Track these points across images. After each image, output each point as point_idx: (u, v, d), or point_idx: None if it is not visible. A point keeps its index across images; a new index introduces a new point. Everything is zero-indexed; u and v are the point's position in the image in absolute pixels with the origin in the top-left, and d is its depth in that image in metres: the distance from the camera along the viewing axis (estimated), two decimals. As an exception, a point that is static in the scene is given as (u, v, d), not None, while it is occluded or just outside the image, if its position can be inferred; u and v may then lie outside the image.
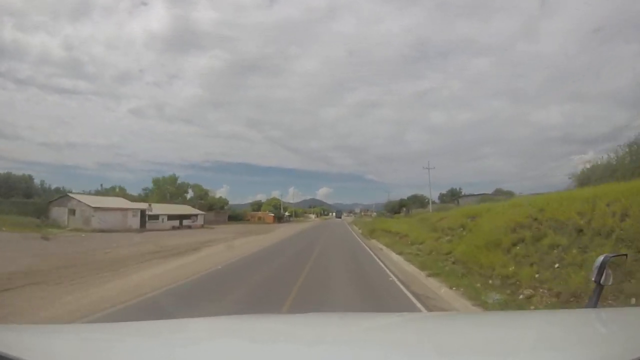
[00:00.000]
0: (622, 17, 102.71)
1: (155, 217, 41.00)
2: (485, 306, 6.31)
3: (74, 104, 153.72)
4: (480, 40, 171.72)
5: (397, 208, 72.71)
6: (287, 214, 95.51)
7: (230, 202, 76.25)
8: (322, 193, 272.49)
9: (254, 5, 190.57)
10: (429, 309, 6.55)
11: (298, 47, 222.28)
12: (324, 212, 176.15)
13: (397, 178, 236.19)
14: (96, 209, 33.90)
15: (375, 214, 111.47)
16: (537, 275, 6.83)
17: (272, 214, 77.32)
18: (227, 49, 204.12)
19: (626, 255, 2.27)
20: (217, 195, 74.28)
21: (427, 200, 69.38)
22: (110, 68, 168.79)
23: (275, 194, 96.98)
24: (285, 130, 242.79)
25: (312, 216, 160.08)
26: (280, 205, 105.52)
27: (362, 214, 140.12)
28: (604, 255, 1.63)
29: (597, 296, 1.61)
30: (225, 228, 43.02)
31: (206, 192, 76.88)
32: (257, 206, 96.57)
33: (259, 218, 75.82)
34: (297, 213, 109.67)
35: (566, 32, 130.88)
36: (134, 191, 56.45)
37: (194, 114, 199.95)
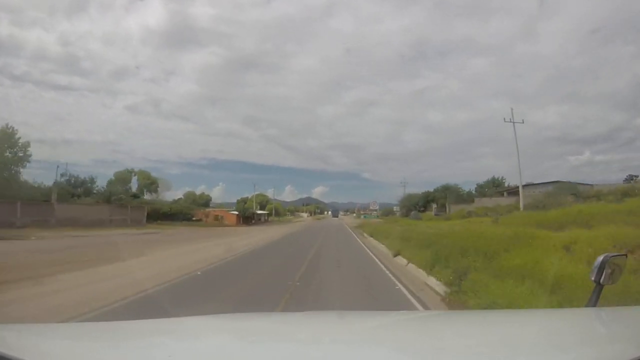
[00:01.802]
0: (621, 18, 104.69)
1: None
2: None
3: (70, 100, 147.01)
4: (479, 40, 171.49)
5: (421, 205, 50.57)
6: (263, 212, 73.02)
7: (225, 200, 68.67)
8: (318, 192, 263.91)
9: (252, 1, 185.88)
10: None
11: (296, 44, 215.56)
12: (318, 210, 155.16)
13: (395, 177, 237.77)
14: None
15: (375, 213, 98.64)
16: None
17: (236, 213, 54.77)
18: (224, 45, 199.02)
19: (626, 255, 1.89)
20: (201, 192, 63.74)
21: (463, 193, 47.81)
22: (106, 64, 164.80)
23: (271, 192, 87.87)
24: (282, 128, 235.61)
25: (304, 215, 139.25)
26: (266, 202, 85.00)
27: (361, 212, 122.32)
28: (604, 255, 1.62)
29: (597, 295, 1.61)
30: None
31: (153, 182, 56.63)
32: (243, 203, 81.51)
33: (216, 217, 53.56)
34: (278, 211, 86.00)
35: (565, 33, 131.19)
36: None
37: (191, 111, 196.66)
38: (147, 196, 53.96)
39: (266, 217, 73.09)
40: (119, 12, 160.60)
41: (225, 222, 52.33)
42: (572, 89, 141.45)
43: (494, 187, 52.80)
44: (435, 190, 51.60)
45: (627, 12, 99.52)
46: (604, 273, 1.55)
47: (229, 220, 53.64)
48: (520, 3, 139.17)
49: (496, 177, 53.60)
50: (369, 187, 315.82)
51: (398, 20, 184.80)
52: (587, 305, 1.66)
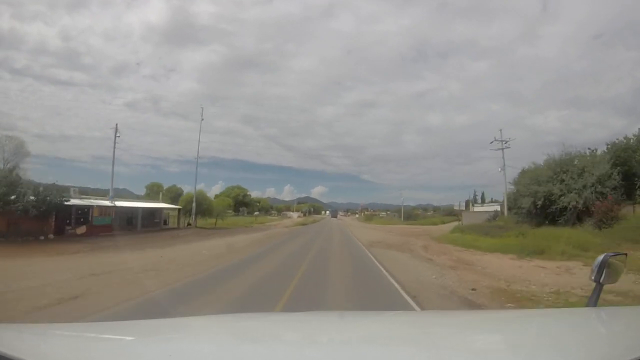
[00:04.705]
0: (623, 24, 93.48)
1: None
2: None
3: (70, 95, 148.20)
4: (480, 42, 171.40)
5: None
6: (163, 206, 38.88)
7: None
8: (317, 192, 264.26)
9: (253, 0, 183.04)
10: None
11: (296, 44, 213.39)
12: (312, 209, 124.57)
13: (394, 180, 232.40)
14: None
15: (384, 214, 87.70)
16: None
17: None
18: (225, 43, 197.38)
19: (626, 254, 1.83)
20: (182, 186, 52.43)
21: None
22: (106, 60, 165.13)
23: (270, 191, 63.23)
24: (281, 127, 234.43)
25: (294, 215, 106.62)
26: (243, 196, 56.05)
27: (364, 213, 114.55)
28: (604, 254, 1.60)
29: (597, 295, 1.60)
30: None
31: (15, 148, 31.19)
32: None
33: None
34: (208, 208, 46.06)
35: (566, 37, 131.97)
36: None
37: (191, 109, 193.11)
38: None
39: (185, 221, 38.97)
40: (120, 8, 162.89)
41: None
42: (572, 94, 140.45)
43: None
44: (591, 154, 19.15)
45: (630, 18, 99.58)
46: (604, 272, 1.53)
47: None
48: (522, 6, 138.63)
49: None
50: (367, 189, 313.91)
51: (398, 21, 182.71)
52: (587, 305, 1.64)
